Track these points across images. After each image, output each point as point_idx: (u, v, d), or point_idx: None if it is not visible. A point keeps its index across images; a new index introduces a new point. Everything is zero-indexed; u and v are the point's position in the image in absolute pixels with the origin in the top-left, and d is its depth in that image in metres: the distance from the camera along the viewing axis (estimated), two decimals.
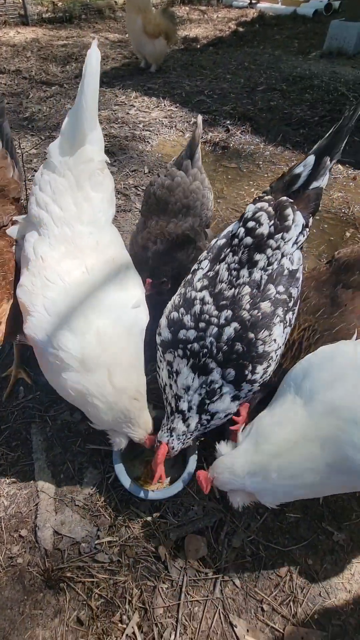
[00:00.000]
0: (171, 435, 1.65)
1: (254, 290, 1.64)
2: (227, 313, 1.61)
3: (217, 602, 1.58)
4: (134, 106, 5.25)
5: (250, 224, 1.71)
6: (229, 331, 1.58)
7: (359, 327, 1.73)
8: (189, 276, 1.79)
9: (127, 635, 1.49)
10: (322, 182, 1.77)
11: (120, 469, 1.77)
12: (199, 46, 7.80)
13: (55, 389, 1.75)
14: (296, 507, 1.81)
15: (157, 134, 4.65)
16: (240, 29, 8.94)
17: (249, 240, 1.69)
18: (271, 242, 1.68)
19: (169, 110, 5.21)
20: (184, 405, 1.62)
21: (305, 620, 1.54)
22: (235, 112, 5.12)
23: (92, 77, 1.66)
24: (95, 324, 1.62)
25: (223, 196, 3.70)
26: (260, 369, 1.58)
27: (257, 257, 1.67)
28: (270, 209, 1.72)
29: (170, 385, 1.65)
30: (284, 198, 1.74)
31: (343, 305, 1.81)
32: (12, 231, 1.95)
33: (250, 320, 1.59)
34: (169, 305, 1.76)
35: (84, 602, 1.56)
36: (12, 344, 2.25)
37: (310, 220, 1.78)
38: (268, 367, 1.61)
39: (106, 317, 1.66)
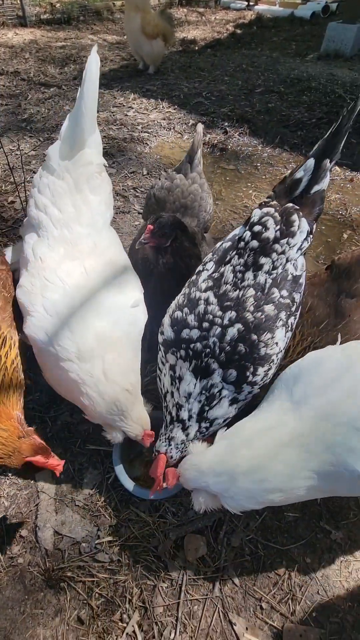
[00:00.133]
0: (169, 445, 1.65)
1: (259, 293, 1.66)
2: (231, 314, 1.62)
3: (217, 600, 1.59)
4: (133, 108, 5.27)
5: (257, 227, 1.73)
6: (233, 332, 1.60)
7: None
8: (194, 277, 1.81)
9: (127, 634, 1.51)
10: (323, 184, 1.79)
11: (120, 470, 1.78)
12: (197, 48, 7.83)
13: (52, 387, 1.77)
14: (294, 507, 1.83)
15: (155, 136, 4.67)
16: (238, 31, 8.97)
17: (255, 243, 1.71)
18: (276, 246, 1.70)
19: (167, 112, 5.23)
20: (184, 414, 1.62)
21: (303, 618, 1.56)
22: (233, 114, 5.14)
23: (92, 83, 1.68)
24: (94, 324, 1.64)
25: (221, 198, 3.72)
26: (261, 371, 1.60)
27: (263, 260, 1.69)
28: (276, 214, 1.73)
29: (172, 393, 1.65)
30: (290, 204, 1.76)
31: (347, 315, 1.81)
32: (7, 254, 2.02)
33: (254, 322, 1.60)
34: (173, 305, 1.77)
35: (85, 602, 1.57)
36: None
37: (314, 226, 1.80)
38: (269, 369, 1.63)
39: (105, 317, 1.68)
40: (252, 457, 1.40)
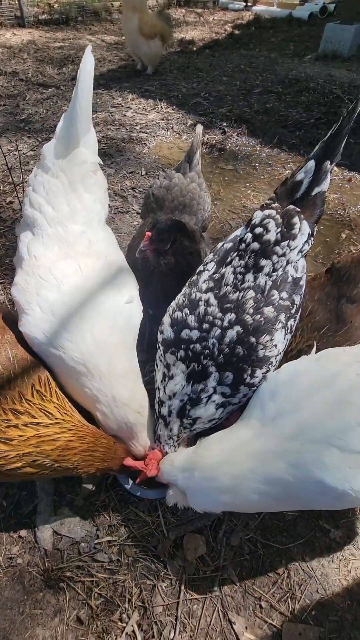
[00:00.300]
0: (160, 442, 1.70)
1: (258, 295, 1.66)
2: (231, 316, 1.62)
3: (216, 599, 1.59)
4: (131, 108, 5.27)
5: (258, 230, 1.73)
6: (232, 334, 1.60)
7: None
8: (194, 277, 1.81)
9: (127, 633, 1.51)
10: (324, 186, 1.79)
11: None
12: (195, 49, 7.84)
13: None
14: None
15: (154, 136, 4.68)
16: (236, 32, 8.99)
17: (255, 245, 1.71)
18: (277, 248, 1.70)
19: (165, 112, 5.24)
20: (164, 411, 1.66)
21: (302, 616, 1.56)
22: (231, 114, 5.15)
23: (86, 83, 1.69)
24: (90, 321, 1.65)
25: (220, 198, 3.72)
26: (259, 372, 1.60)
27: (263, 262, 1.69)
28: (278, 216, 1.74)
29: (159, 390, 1.70)
30: (292, 207, 1.76)
31: (348, 321, 1.80)
32: None
33: (253, 324, 1.61)
34: (173, 304, 1.78)
35: (84, 602, 1.57)
36: None
37: (315, 229, 1.80)
38: (267, 372, 1.63)
39: (101, 314, 1.68)
40: (209, 456, 1.52)
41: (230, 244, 1.81)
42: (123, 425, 1.69)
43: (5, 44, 7.25)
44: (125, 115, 5.08)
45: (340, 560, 1.70)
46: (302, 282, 1.77)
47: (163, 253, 1.94)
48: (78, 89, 1.69)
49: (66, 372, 1.64)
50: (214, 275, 1.75)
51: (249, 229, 1.77)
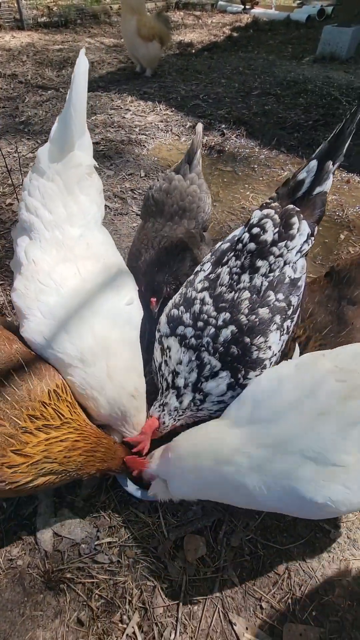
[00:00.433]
0: (163, 410, 1.66)
1: (254, 295, 1.66)
2: (225, 315, 1.63)
3: (217, 600, 1.59)
4: (130, 110, 5.29)
5: (255, 230, 1.73)
6: (226, 333, 1.60)
7: None
8: (191, 277, 1.82)
9: (127, 635, 1.50)
10: (325, 186, 1.79)
11: None
12: (193, 51, 7.87)
13: None
14: None
15: (153, 138, 4.69)
16: (235, 34, 9.03)
17: (252, 246, 1.71)
18: (274, 249, 1.70)
19: (164, 114, 5.25)
20: (180, 382, 1.63)
21: (303, 617, 1.56)
22: (230, 116, 5.17)
23: (81, 85, 1.69)
24: (91, 324, 1.65)
25: (219, 199, 3.74)
26: (252, 374, 1.60)
27: (259, 263, 1.69)
28: (276, 216, 1.73)
29: (165, 362, 1.68)
30: (291, 206, 1.76)
31: (350, 323, 1.80)
32: None
33: (248, 324, 1.61)
34: (170, 304, 1.79)
35: (84, 603, 1.57)
36: None
37: (316, 229, 1.80)
38: (261, 374, 1.63)
39: (101, 316, 1.68)
40: (183, 440, 1.54)
41: (228, 244, 1.82)
42: (116, 409, 1.66)
43: (5, 46, 7.27)
44: (124, 117, 5.10)
45: (341, 560, 1.70)
46: (301, 283, 1.76)
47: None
48: (72, 92, 1.69)
49: (65, 372, 1.64)
50: (210, 275, 1.76)
51: (246, 228, 1.77)
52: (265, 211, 1.76)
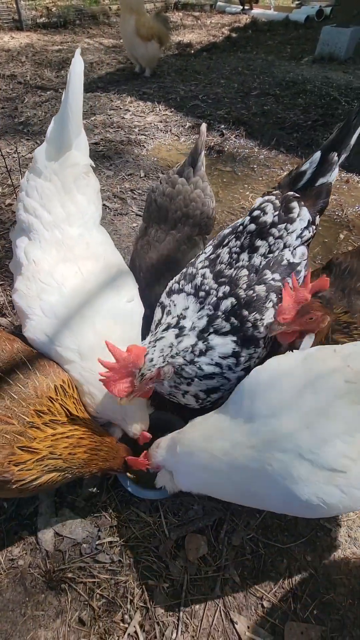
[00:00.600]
0: (154, 346, 1.52)
1: (252, 274, 1.68)
2: (225, 288, 1.65)
3: (218, 599, 1.59)
4: (129, 111, 5.29)
5: (256, 212, 1.77)
6: (227, 304, 1.62)
7: None
8: (193, 259, 1.84)
9: (129, 634, 1.50)
10: (330, 177, 1.80)
11: None
12: (192, 51, 7.88)
13: None
14: None
15: (152, 138, 4.70)
16: (234, 35, 9.05)
17: (252, 226, 1.74)
18: (274, 230, 1.72)
19: (164, 114, 5.26)
20: (186, 323, 1.58)
21: (304, 615, 1.56)
22: (229, 116, 5.18)
23: (76, 85, 1.70)
24: (93, 321, 1.66)
25: (219, 199, 3.74)
26: (245, 352, 1.60)
27: (259, 243, 1.71)
28: (276, 201, 1.77)
29: (169, 312, 1.64)
30: (290, 193, 1.79)
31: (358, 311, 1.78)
32: None
33: (246, 298, 1.62)
34: (170, 283, 1.80)
35: (86, 603, 1.57)
36: None
37: (318, 218, 1.81)
38: (254, 353, 1.63)
39: (102, 314, 1.69)
40: (190, 432, 1.51)
41: (230, 229, 1.85)
42: (117, 405, 1.63)
43: (4, 47, 7.27)
44: (123, 118, 5.10)
45: (342, 559, 1.71)
46: (301, 268, 1.76)
47: None
48: (68, 92, 1.70)
49: (68, 369, 1.64)
50: (211, 256, 1.79)
51: (248, 214, 1.81)
52: (267, 197, 1.80)
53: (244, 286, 1.64)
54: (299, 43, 8.63)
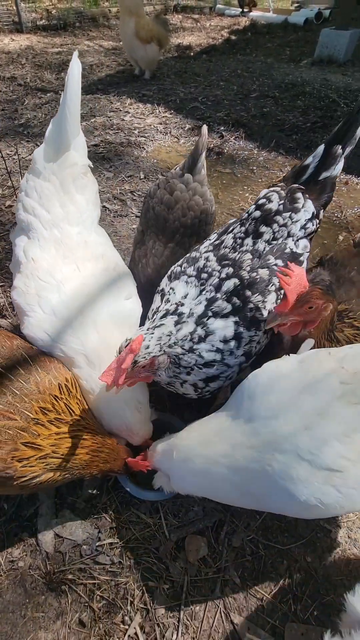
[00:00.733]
0: (152, 333, 1.47)
1: (255, 259, 1.70)
2: (228, 270, 1.66)
3: (218, 601, 1.59)
4: (129, 113, 5.31)
5: (261, 201, 1.79)
6: (229, 284, 1.62)
7: None
8: (197, 246, 1.86)
9: (129, 636, 1.50)
10: (334, 171, 1.81)
11: None
12: (192, 54, 7.91)
13: None
14: None
15: (152, 140, 4.71)
16: (233, 37, 9.08)
17: (257, 213, 1.77)
18: (278, 218, 1.74)
19: (163, 116, 5.27)
20: (184, 310, 1.57)
21: (305, 617, 1.56)
22: (229, 118, 5.20)
23: (74, 87, 1.72)
24: (92, 318, 1.67)
25: (218, 201, 3.75)
26: (246, 334, 1.61)
27: (263, 229, 1.73)
28: (282, 191, 1.79)
29: (168, 300, 1.64)
30: (295, 185, 1.81)
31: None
32: None
33: (249, 280, 1.63)
34: (173, 267, 1.81)
35: (86, 604, 1.57)
36: None
37: (322, 213, 1.83)
38: (255, 335, 1.63)
39: (102, 311, 1.70)
40: (187, 438, 1.52)
41: (235, 219, 1.87)
42: (122, 425, 1.69)
43: (4, 49, 7.29)
44: (123, 120, 5.12)
45: (342, 560, 1.71)
46: (303, 259, 1.78)
47: None
48: (67, 94, 1.72)
49: (69, 367, 1.65)
50: (215, 242, 1.81)
51: (254, 203, 1.83)
52: (272, 188, 1.83)
53: (248, 268, 1.65)
54: (298, 45, 8.67)
